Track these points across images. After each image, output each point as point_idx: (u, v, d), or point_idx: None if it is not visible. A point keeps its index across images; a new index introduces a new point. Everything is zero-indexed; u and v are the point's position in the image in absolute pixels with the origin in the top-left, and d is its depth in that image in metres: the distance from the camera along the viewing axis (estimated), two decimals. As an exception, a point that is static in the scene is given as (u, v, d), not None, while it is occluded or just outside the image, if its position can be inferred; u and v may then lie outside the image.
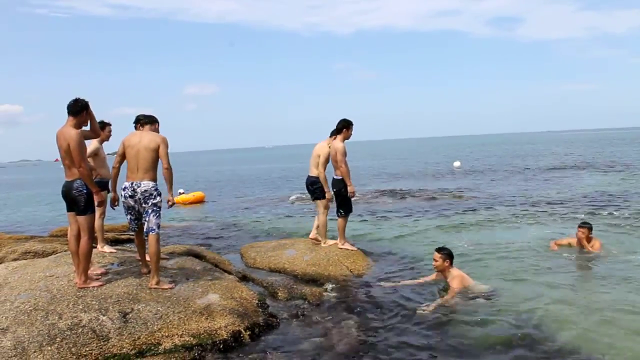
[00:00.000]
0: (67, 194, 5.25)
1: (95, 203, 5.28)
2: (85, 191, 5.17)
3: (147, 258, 5.91)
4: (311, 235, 8.17)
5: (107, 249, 7.14)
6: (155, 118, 6.04)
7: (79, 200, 5.18)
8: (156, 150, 5.55)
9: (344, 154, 7.51)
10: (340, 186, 7.61)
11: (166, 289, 5.56)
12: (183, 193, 20.47)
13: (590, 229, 7.94)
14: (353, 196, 7.71)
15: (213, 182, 32.99)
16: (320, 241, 8.17)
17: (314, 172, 7.76)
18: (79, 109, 5.21)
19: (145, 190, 5.54)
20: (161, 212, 5.70)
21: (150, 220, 5.56)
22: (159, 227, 5.64)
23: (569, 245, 8.19)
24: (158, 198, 5.60)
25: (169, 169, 5.65)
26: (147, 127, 5.89)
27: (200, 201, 20.20)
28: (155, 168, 5.61)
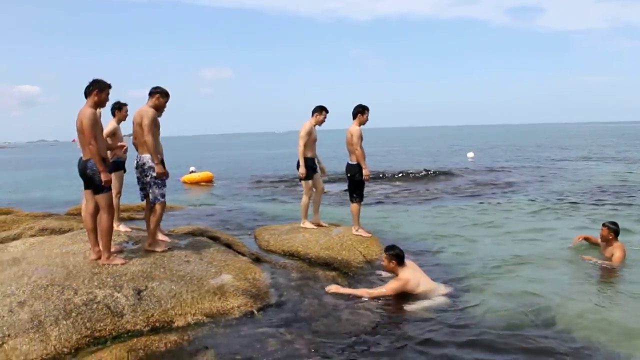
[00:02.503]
0: (84, 172, 5.30)
1: (103, 183, 5.29)
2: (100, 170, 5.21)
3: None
4: (312, 220, 8.23)
5: (122, 227, 7.21)
6: (154, 90, 6.01)
7: (95, 179, 5.23)
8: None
9: (360, 138, 7.52)
10: (354, 171, 7.60)
11: (158, 251, 5.97)
12: (194, 172, 20.66)
13: (611, 230, 7.07)
14: (368, 180, 7.72)
15: (224, 163, 33.17)
16: (322, 225, 8.29)
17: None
18: (87, 90, 5.27)
19: (144, 163, 5.91)
20: (165, 183, 6.07)
21: (154, 192, 5.95)
22: (163, 196, 6.03)
23: (596, 243, 7.53)
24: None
25: (146, 140, 5.80)
26: (148, 101, 6.00)
27: (208, 181, 20.38)
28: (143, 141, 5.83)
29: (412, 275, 5.87)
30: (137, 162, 5.99)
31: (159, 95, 5.98)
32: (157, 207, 6.02)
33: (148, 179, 5.95)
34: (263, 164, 32.70)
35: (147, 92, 6.06)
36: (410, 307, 5.49)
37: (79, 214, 10.42)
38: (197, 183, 20.07)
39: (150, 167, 5.88)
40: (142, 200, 6.25)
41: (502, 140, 61.25)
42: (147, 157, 5.88)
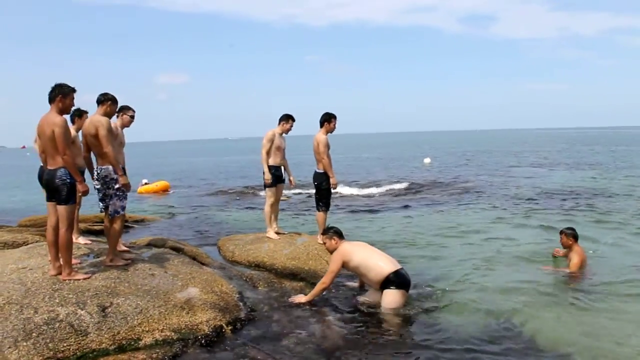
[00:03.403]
0: (49, 182, 5.06)
1: (80, 193, 5.13)
2: (69, 180, 5.00)
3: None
4: (275, 230, 8.19)
5: (82, 240, 6.97)
6: (104, 98, 5.74)
7: (61, 190, 5.00)
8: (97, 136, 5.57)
9: (327, 146, 7.51)
10: (321, 180, 7.58)
11: (120, 265, 5.74)
12: (147, 183, 20.26)
13: (569, 235, 7.13)
14: (335, 187, 7.72)
15: (178, 172, 32.70)
16: (282, 233, 8.26)
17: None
18: (51, 95, 5.05)
19: (106, 175, 5.70)
20: (126, 195, 5.92)
21: (115, 204, 5.78)
22: (123, 209, 5.89)
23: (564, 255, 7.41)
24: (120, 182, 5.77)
25: (107, 152, 5.61)
26: (98, 110, 5.78)
27: (165, 190, 20.05)
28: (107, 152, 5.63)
29: (350, 246, 5.90)
30: (99, 173, 5.76)
31: (110, 103, 5.74)
32: (117, 220, 5.83)
33: (111, 191, 5.75)
34: (219, 172, 32.39)
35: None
36: (380, 315, 5.48)
37: (32, 226, 10.05)
38: (153, 192, 19.68)
39: (113, 179, 5.69)
40: (102, 212, 6.04)
41: (457, 146, 62.50)
42: (110, 169, 5.69)
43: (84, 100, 6.37)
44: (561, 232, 7.34)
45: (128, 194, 5.94)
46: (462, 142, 77.10)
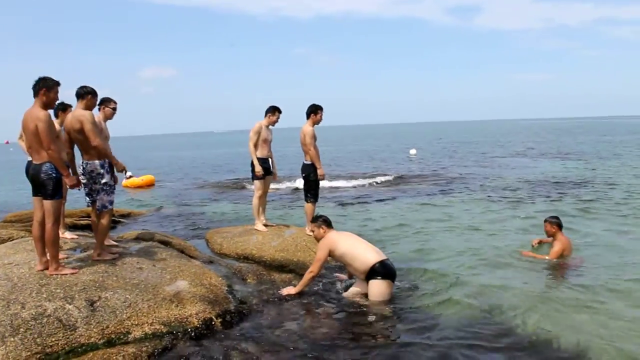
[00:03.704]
0: (35, 177, 5.01)
1: (68, 186, 5.09)
2: (54, 175, 4.96)
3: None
4: (263, 222, 8.19)
5: (68, 234, 6.92)
6: (84, 91, 5.64)
7: (47, 184, 4.95)
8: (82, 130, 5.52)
9: (313, 138, 7.52)
10: (309, 171, 7.59)
11: (107, 260, 5.72)
12: (132, 177, 20.09)
13: (553, 224, 7.26)
14: (323, 179, 7.74)
15: (164, 166, 32.55)
16: (270, 225, 8.28)
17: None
18: (35, 88, 4.98)
19: (93, 170, 5.67)
20: (114, 189, 5.91)
21: (102, 199, 5.73)
22: (111, 203, 5.86)
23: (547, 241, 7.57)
24: (107, 176, 5.73)
25: (97, 145, 5.58)
26: (78, 104, 5.70)
27: (150, 184, 19.92)
28: (91, 147, 5.59)
29: (337, 235, 5.95)
30: (84, 168, 5.72)
31: (90, 96, 5.66)
32: (104, 214, 5.80)
33: (98, 186, 5.71)
34: (204, 165, 32.23)
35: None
36: (367, 306, 5.51)
37: (17, 221, 9.94)
38: (139, 187, 19.54)
39: (100, 174, 5.65)
40: (89, 206, 6.01)
41: (443, 137, 62.70)
42: (96, 164, 5.64)
43: (68, 95, 6.29)
44: (545, 221, 7.43)
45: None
46: (449, 134, 77.39)
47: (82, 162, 5.76)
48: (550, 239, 7.42)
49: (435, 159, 28.03)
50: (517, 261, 7.13)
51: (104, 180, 5.70)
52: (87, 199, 5.89)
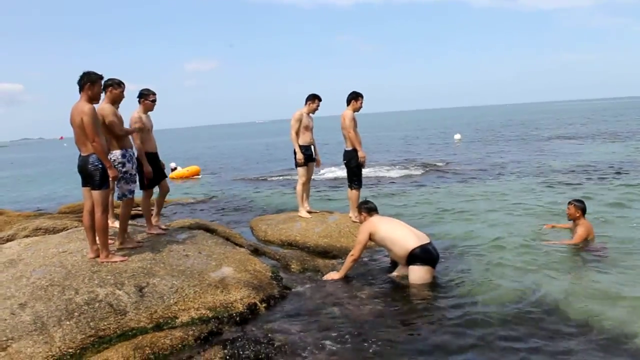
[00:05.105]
0: (83, 168, 5.20)
1: (110, 178, 5.24)
2: (100, 166, 5.14)
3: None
4: (307, 209, 8.26)
5: (117, 224, 7.13)
6: (106, 82, 5.66)
7: (94, 175, 5.14)
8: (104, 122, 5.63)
9: (353, 121, 7.53)
10: (350, 157, 7.59)
11: (130, 247, 5.86)
12: (176, 168, 20.45)
13: (577, 207, 7.05)
14: (364, 162, 7.68)
15: (208, 156, 33.05)
16: (316, 212, 8.36)
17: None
18: (79, 83, 5.15)
19: (114, 160, 5.75)
20: (135, 179, 6.04)
21: (122, 187, 5.84)
22: (131, 192, 5.93)
23: (565, 227, 7.54)
24: (127, 165, 5.83)
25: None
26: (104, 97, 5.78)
27: (195, 175, 20.25)
28: (113, 138, 5.72)
29: (378, 219, 5.99)
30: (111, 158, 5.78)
31: (112, 88, 5.75)
32: (125, 203, 5.90)
33: (119, 174, 5.76)
34: (247, 154, 32.61)
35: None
36: (409, 291, 5.50)
37: (71, 212, 10.35)
38: (185, 177, 19.94)
39: (120, 163, 5.76)
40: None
41: (488, 121, 61.48)
42: (117, 153, 5.77)
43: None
44: (569, 203, 7.21)
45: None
46: (494, 117, 75.75)
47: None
48: (570, 223, 7.25)
49: (481, 144, 27.51)
50: (561, 247, 6.94)
51: (124, 169, 5.80)
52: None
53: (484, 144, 26.97)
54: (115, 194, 5.96)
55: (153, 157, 6.57)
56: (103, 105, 5.65)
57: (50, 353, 4.02)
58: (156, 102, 6.58)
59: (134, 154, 6.04)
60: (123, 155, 5.83)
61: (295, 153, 7.81)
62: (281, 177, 17.53)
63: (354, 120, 7.55)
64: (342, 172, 16.38)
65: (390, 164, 19.35)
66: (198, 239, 6.60)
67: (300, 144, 7.79)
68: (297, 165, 7.89)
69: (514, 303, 5.09)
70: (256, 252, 6.76)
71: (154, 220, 6.88)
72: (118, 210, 8.73)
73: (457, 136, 33.46)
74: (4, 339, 4.05)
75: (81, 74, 5.17)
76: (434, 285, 5.63)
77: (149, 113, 6.60)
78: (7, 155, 73.28)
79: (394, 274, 5.91)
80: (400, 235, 5.73)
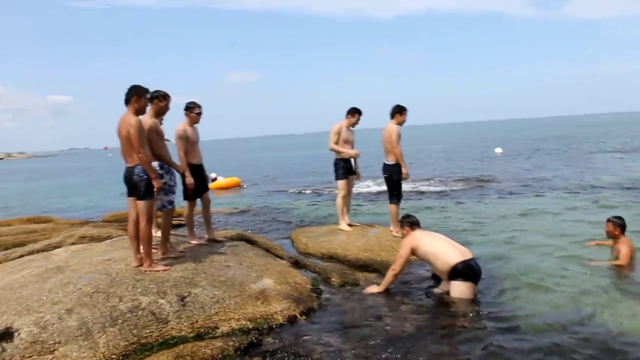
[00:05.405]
0: (129, 179, 5.32)
1: (154, 189, 5.33)
2: (145, 177, 5.24)
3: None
4: (347, 222, 8.24)
5: (160, 234, 7.25)
6: (152, 94, 5.79)
7: (139, 186, 5.24)
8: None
9: (399, 136, 7.47)
10: (391, 171, 7.54)
11: (173, 257, 5.92)
12: (216, 179, 20.61)
13: (616, 225, 6.69)
14: (407, 178, 7.68)
15: (248, 168, 33.38)
16: (357, 225, 8.32)
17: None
18: (126, 96, 5.28)
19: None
20: (174, 190, 6.10)
21: (162, 198, 5.90)
22: (171, 203, 5.99)
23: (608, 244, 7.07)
24: (165, 177, 5.95)
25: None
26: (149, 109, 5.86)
27: (235, 186, 20.39)
28: (152, 149, 5.72)
29: (420, 233, 5.92)
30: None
31: (158, 100, 5.88)
32: (166, 213, 5.99)
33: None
34: (287, 167, 32.83)
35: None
36: (451, 307, 5.39)
37: (115, 221, 10.57)
38: (225, 188, 20.13)
39: (159, 175, 5.80)
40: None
41: (530, 134, 60.24)
42: (155, 165, 5.82)
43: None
44: (608, 220, 6.85)
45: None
46: (534, 130, 74.17)
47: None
48: (610, 240, 6.90)
49: (522, 158, 26.94)
50: (606, 266, 6.67)
51: (162, 181, 5.86)
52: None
53: (525, 158, 26.40)
54: (157, 204, 6.05)
55: (198, 169, 6.65)
56: (146, 119, 5.75)
57: (94, 358, 4.09)
58: (202, 115, 6.68)
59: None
60: (161, 167, 5.94)
61: (335, 165, 7.80)
62: (320, 190, 17.54)
63: (400, 135, 7.50)
64: (377, 186, 16.31)
65: (429, 178, 19.12)
66: (239, 250, 6.65)
67: (341, 157, 7.79)
68: (338, 178, 7.88)
69: (557, 327, 4.88)
70: (296, 264, 6.76)
71: (207, 233, 6.99)
72: (159, 220, 8.91)
73: (498, 150, 32.85)
74: (52, 342, 4.14)
75: (129, 87, 5.31)
76: (475, 302, 5.51)
77: (196, 126, 6.70)
78: (57, 164, 75.65)
79: (436, 289, 5.81)
80: (442, 250, 5.64)
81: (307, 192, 17.41)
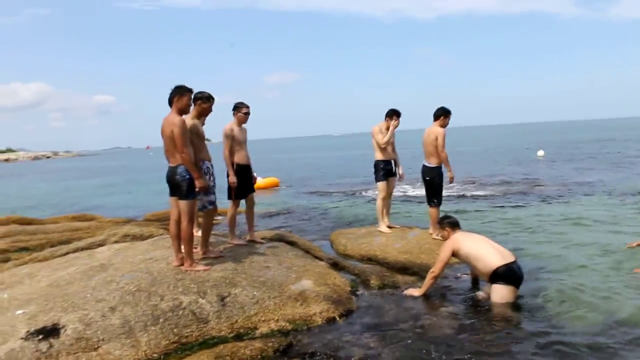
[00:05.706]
0: (171, 178, 5.39)
1: (197, 188, 5.38)
2: (188, 177, 5.30)
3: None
4: (387, 224, 8.16)
5: (200, 233, 7.32)
6: (196, 95, 5.79)
7: (181, 185, 5.31)
8: None
9: (444, 139, 7.41)
10: (433, 174, 7.44)
11: (212, 257, 5.98)
12: (256, 179, 20.63)
13: None
14: (452, 182, 7.67)
15: (286, 169, 33.50)
16: (397, 227, 8.27)
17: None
18: (169, 97, 5.34)
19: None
20: (214, 190, 6.03)
21: (202, 198, 5.85)
22: (211, 203, 5.94)
23: None
24: (204, 177, 5.83)
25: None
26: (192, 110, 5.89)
27: (274, 186, 20.45)
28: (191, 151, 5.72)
29: (462, 235, 5.78)
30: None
31: (201, 102, 5.90)
32: (206, 214, 5.98)
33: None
34: (326, 167, 32.81)
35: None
36: (492, 310, 5.28)
37: (157, 220, 10.75)
38: (263, 188, 20.21)
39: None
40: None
41: (572, 137, 58.72)
42: None
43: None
44: None
45: None
46: (578, 133, 72.23)
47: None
48: None
49: (565, 161, 26.24)
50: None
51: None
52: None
53: (568, 162, 25.69)
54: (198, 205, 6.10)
55: (243, 169, 6.68)
56: (187, 120, 5.78)
57: (136, 356, 4.15)
58: (249, 115, 6.72)
59: (212, 166, 6.12)
60: (199, 168, 5.96)
61: (376, 167, 7.76)
62: (361, 191, 17.44)
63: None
64: (413, 190, 16.10)
65: (470, 180, 18.78)
66: (278, 250, 6.67)
67: (381, 159, 7.73)
68: (378, 179, 7.82)
69: (600, 334, 4.73)
70: (335, 266, 6.73)
71: (248, 233, 7.07)
72: (200, 220, 9.02)
73: (540, 152, 32.07)
74: (95, 339, 4.22)
75: (172, 88, 5.37)
76: (516, 306, 5.38)
77: (244, 126, 6.75)
78: (101, 163, 77.60)
79: (478, 293, 5.70)
80: (484, 252, 5.52)
81: (347, 193, 17.34)
